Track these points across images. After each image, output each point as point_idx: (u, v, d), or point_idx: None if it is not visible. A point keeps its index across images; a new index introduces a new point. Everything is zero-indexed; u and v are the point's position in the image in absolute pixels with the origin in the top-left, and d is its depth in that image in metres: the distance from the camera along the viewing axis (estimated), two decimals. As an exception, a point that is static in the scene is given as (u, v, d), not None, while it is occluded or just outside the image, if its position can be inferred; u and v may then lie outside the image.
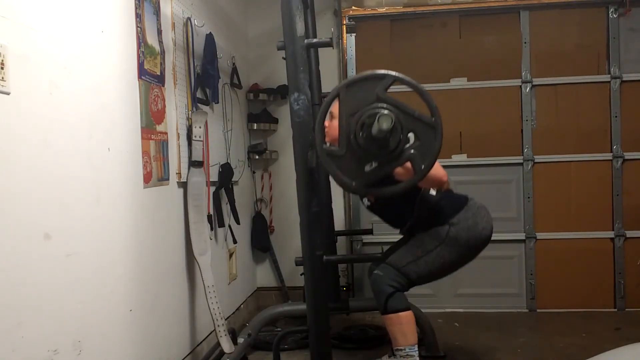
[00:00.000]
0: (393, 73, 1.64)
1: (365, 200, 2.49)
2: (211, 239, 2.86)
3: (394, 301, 2.28)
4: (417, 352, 2.29)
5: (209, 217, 2.77)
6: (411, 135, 1.65)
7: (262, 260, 4.02)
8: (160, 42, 2.36)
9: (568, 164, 3.69)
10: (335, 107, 1.74)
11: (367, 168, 1.68)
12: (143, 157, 2.16)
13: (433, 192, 2.35)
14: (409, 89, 1.65)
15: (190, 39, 2.67)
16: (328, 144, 1.75)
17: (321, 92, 3.05)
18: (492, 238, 2.30)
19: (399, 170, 1.76)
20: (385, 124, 1.56)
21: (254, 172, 3.96)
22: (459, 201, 2.40)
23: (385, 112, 1.58)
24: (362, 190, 1.72)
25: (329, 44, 1.89)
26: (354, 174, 1.68)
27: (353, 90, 1.65)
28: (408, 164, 1.68)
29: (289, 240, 3.92)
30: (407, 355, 2.28)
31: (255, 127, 3.83)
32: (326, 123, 2.17)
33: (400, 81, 1.64)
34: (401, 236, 2.52)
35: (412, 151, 1.64)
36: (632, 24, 3.63)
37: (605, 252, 3.66)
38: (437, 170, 2.11)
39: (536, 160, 3.70)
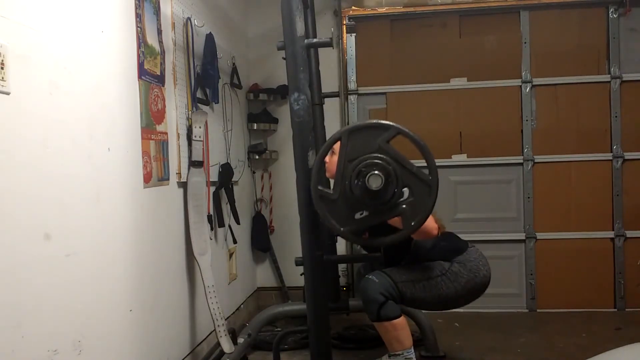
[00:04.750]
0: (397, 126, 1.65)
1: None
2: (211, 239, 2.86)
3: (387, 309, 2.26)
4: (413, 354, 2.29)
5: (209, 217, 2.77)
6: (406, 190, 1.65)
7: (262, 260, 4.02)
8: (160, 42, 2.36)
9: (568, 164, 3.69)
10: (337, 144, 1.74)
11: (358, 215, 1.68)
12: (143, 157, 2.16)
13: None
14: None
15: (190, 39, 2.67)
16: (324, 189, 1.74)
17: (321, 92, 3.05)
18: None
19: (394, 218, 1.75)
20: (375, 184, 1.57)
21: (254, 172, 3.96)
22: (461, 244, 2.44)
23: (376, 171, 1.58)
24: (349, 236, 1.72)
25: (329, 44, 1.89)
26: (344, 220, 1.68)
27: (355, 136, 1.66)
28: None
29: (289, 240, 3.92)
30: (405, 358, 2.27)
31: (255, 127, 3.83)
32: (327, 158, 2.17)
33: (404, 134, 1.64)
34: None
35: (404, 206, 1.65)
36: (632, 24, 3.63)
37: (605, 252, 3.66)
38: (428, 223, 2.09)
39: (536, 160, 3.70)
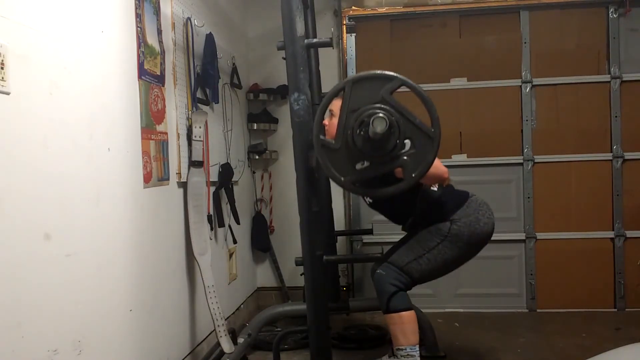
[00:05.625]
0: (401, 77, 1.64)
1: (367, 197, 2.49)
2: (211, 239, 2.86)
3: (396, 301, 2.27)
4: (418, 352, 2.28)
5: (209, 217, 2.77)
6: (407, 142, 1.64)
7: (262, 260, 4.02)
8: (160, 42, 2.36)
9: (568, 164, 3.69)
10: (335, 106, 1.75)
11: (359, 166, 1.68)
12: (143, 157, 2.16)
13: (434, 187, 2.35)
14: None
15: (190, 39, 2.67)
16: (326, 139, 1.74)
17: (321, 92, 3.05)
18: (492, 238, 2.31)
19: (399, 169, 1.76)
20: (380, 127, 1.56)
21: (254, 172, 3.96)
22: (460, 197, 2.40)
23: (381, 114, 1.58)
24: (349, 186, 1.72)
25: (329, 44, 1.89)
26: (345, 170, 1.68)
27: (359, 87, 1.66)
28: None
29: (289, 240, 3.92)
30: (408, 355, 2.27)
31: (255, 127, 3.83)
32: (326, 121, 2.17)
33: (408, 86, 1.64)
34: (401, 235, 2.52)
35: (405, 158, 1.64)
36: (632, 24, 3.63)
37: (605, 252, 3.66)
38: (438, 167, 2.11)
39: (536, 160, 3.70)
